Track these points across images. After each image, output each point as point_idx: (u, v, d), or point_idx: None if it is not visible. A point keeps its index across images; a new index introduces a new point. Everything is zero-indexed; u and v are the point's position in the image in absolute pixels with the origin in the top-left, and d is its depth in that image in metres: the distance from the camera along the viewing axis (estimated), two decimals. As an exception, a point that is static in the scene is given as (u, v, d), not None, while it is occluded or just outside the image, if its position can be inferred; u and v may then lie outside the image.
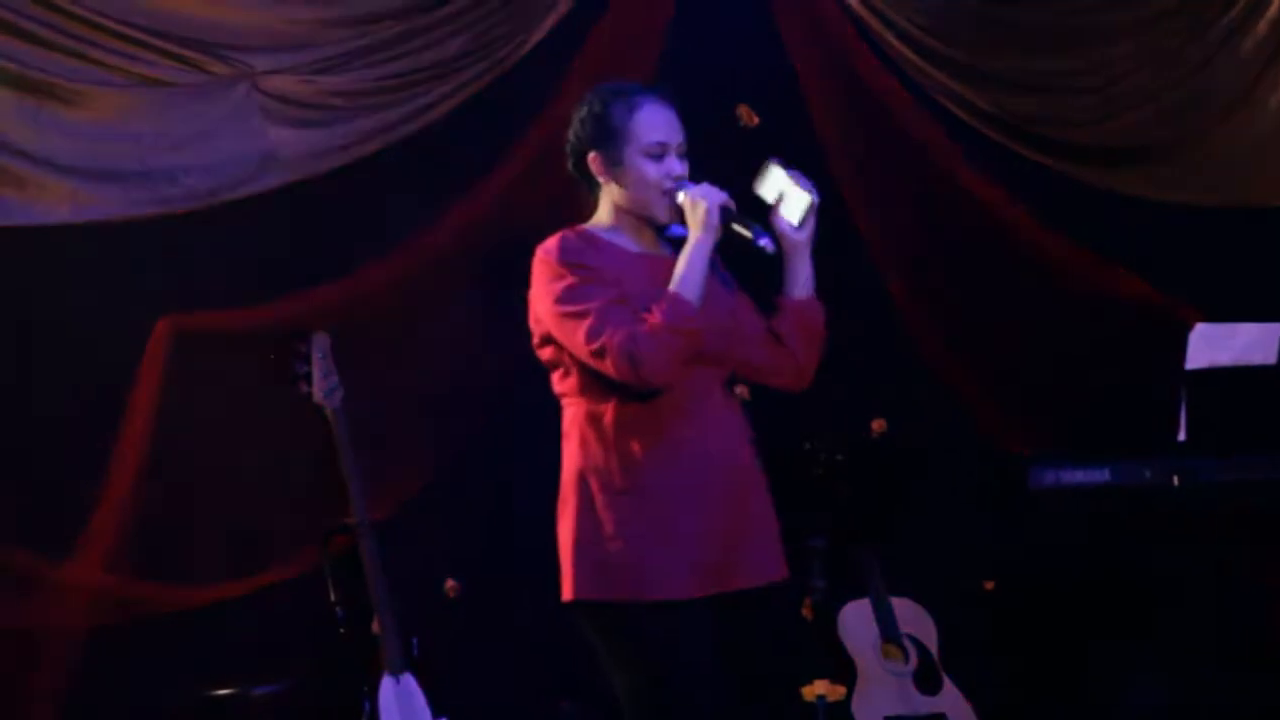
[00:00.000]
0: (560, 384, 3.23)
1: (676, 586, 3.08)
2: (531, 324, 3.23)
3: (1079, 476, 4.51)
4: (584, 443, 3.16)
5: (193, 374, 4.55)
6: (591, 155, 3.24)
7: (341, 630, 4.30)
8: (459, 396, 4.81)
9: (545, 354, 3.23)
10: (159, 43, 4.58)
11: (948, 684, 4.78)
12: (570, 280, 3.12)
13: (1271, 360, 4.62)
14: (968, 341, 5.27)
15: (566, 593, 3.16)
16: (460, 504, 4.82)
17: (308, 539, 4.49)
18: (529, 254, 3.24)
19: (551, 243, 3.19)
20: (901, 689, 4.73)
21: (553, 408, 3.32)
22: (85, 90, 4.53)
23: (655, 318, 3.06)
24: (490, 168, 4.86)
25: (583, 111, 3.27)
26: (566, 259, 3.14)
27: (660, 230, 3.26)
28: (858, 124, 5.24)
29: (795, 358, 3.31)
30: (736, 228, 3.16)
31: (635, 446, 3.11)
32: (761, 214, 3.22)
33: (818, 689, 4.75)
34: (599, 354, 3.07)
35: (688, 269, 3.12)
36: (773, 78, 5.21)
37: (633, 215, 3.24)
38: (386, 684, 4.24)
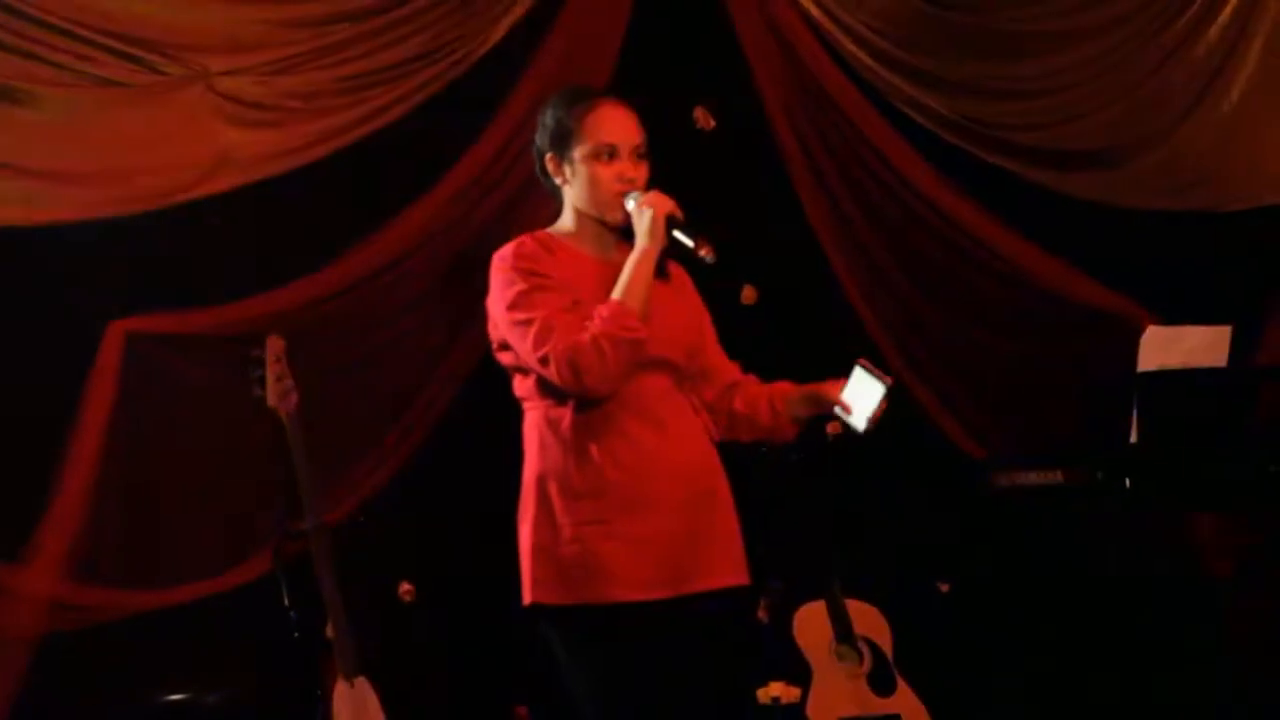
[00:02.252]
0: (520, 388, 3.24)
1: (635, 589, 3.08)
2: (490, 330, 3.24)
3: (1032, 478, 4.53)
4: (543, 446, 3.17)
5: (146, 377, 4.52)
6: (548, 157, 3.27)
7: (295, 635, 4.28)
8: (414, 400, 4.79)
9: (504, 359, 3.24)
10: (112, 43, 4.54)
11: (902, 685, 4.80)
12: (521, 287, 3.13)
13: (1221, 362, 4.65)
14: (925, 343, 5.30)
15: (526, 596, 3.16)
16: (415, 508, 4.81)
17: (261, 543, 4.47)
18: (486, 256, 3.25)
19: (507, 249, 3.21)
20: (856, 690, 4.75)
21: (508, 411, 3.33)
22: (38, 91, 4.49)
23: (596, 326, 3.07)
24: (446, 169, 4.85)
25: (543, 115, 3.30)
26: (519, 265, 3.15)
27: (622, 235, 3.25)
28: (815, 127, 5.26)
29: (733, 431, 3.38)
30: (679, 235, 3.16)
31: (593, 449, 3.12)
32: (706, 222, 3.23)
33: (773, 691, 4.76)
34: (544, 362, 3.09)
35: (631, 278, 3.13)
36: (730, 81, 5.22)
37: (592, 219, 3.25)
38: (340, 689, 4.22)
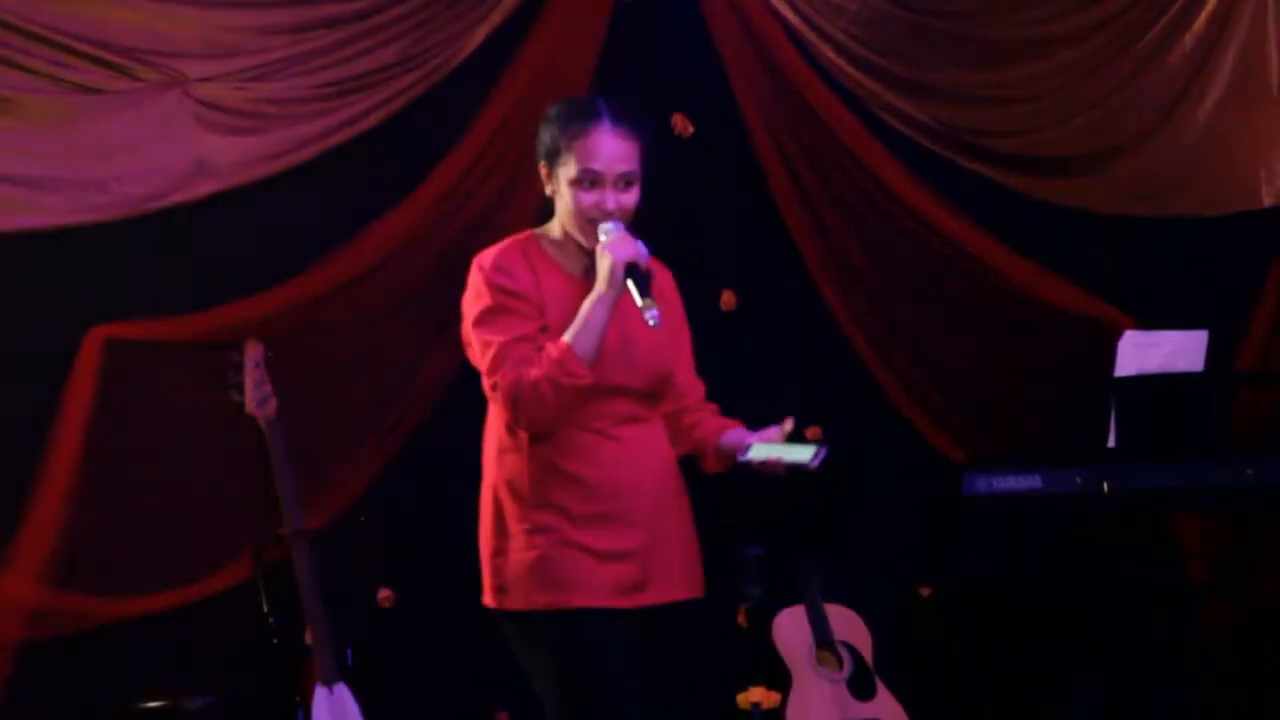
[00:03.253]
0: (486, 390, 3.22)
1: (591, 596, 3.09)
2: (462, 329, 3.23)
3: (1011, 483, 4.55)
4: (501, 452, 3.17)
5: (125, 384, 4.51)
6: (541, 165, 3.23)
7: (275, 641, 4.27)
8: (393, 406, 4.79)
9: (472, 356, 3.23)
10: (90, 49, 4.54)
11: (882, 690, 4.80)
12: (488, 303, 3.13)
13: (1198, 367, 4.67)
14: (903, 349, 5.31)
15: (486, 599, 3.18)
16: (394, 514, 4.80)
17: (241, 549, 4.46)
18: (466, 261, 3.24)
19: (487, 256, 3.19)
20: (836, 695, 4.75)
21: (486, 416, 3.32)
22: (15, 97, 4.49)
23: (543, 367, 3.05)
24: (424, 176, 4.85)
25: (542, 124, 3.24)
26: (493, 279, 3.14)
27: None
28: (793, 133, 5.27)
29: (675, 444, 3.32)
30: (630, 287, 3.11)
31: (552, 458, 3.12)
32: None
33: (753, 696, 4.76)
34: (493, 389, 3.11)
35: (585, 323, 3.09)
36: (708, 88, 5.23)
37: (572, 237, 3.23)
38: (320, 695, 4.22)
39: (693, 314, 3.47)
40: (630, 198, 3.18)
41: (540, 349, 3.08)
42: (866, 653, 4.85)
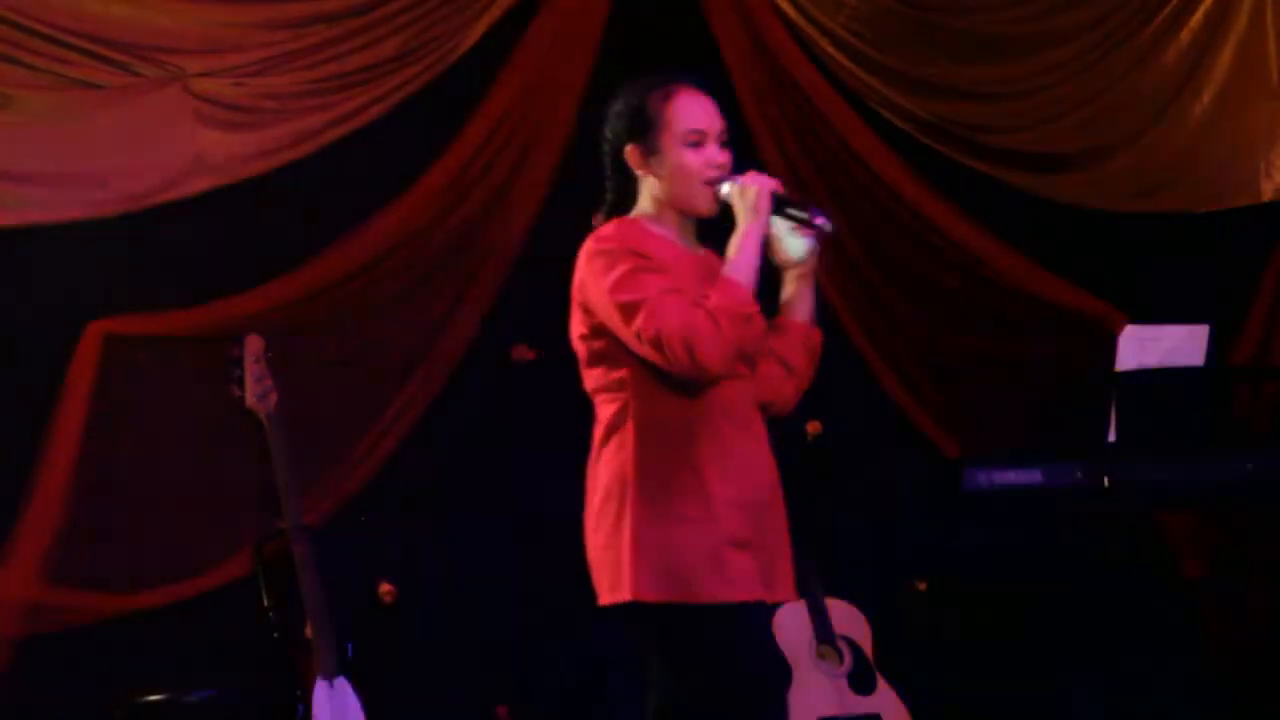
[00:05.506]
0: (603, 378, 3.09)
1: (737, 590, 3.00)
2: (579, 314, 3.08)
3: (1011, 477, 4.55)
4: (641, 443, 3.03)
5: (124, 379, 4.51)
6: (629, 148, 3.11)
7: (275, 635, 4.26)
8: (393, 401, 4.78)
9: (596, 346, 3.07)
10: (89, 45, 4.54)
11: (882, 684, 4.80)
12: (625, 267, 2.99)
13: (1198, 361, 4.68)
14: (902, 344, 5.31)
15: (624, 593, 3.00)
16: (395, 508, 4.80)
17: (241, 544, 4.46)
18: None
19: (607, 230, 3.07)
20: (836, 690, 4.75)
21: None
22: (13, 93, 4.49)
23: (711, 302, 2.96)
24: (422, 171, 4.85)
25: (618, 105, 3.14)
26: (623, 246, 3.02)
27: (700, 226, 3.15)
28: (793, 129, 5.27)
29: (797, 379, 3.22)
30: (791, 212, 3.06)
31: (695, 451, 3.01)
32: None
33: (754, 690, 4.76)
34: (655, 344, 2.94)
35: (740, 254, 3.01)
36: (707, 81, 5.21)
37: (675, 210, 3.13)
38: (320, 689, 4.21)
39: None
40: (729, 157, 3.12)
41: (692, 300, 2.97)
42: (867, 647, 4.84)
